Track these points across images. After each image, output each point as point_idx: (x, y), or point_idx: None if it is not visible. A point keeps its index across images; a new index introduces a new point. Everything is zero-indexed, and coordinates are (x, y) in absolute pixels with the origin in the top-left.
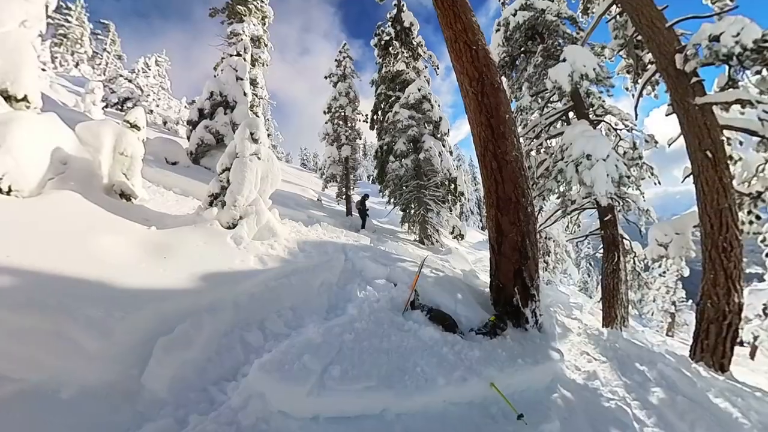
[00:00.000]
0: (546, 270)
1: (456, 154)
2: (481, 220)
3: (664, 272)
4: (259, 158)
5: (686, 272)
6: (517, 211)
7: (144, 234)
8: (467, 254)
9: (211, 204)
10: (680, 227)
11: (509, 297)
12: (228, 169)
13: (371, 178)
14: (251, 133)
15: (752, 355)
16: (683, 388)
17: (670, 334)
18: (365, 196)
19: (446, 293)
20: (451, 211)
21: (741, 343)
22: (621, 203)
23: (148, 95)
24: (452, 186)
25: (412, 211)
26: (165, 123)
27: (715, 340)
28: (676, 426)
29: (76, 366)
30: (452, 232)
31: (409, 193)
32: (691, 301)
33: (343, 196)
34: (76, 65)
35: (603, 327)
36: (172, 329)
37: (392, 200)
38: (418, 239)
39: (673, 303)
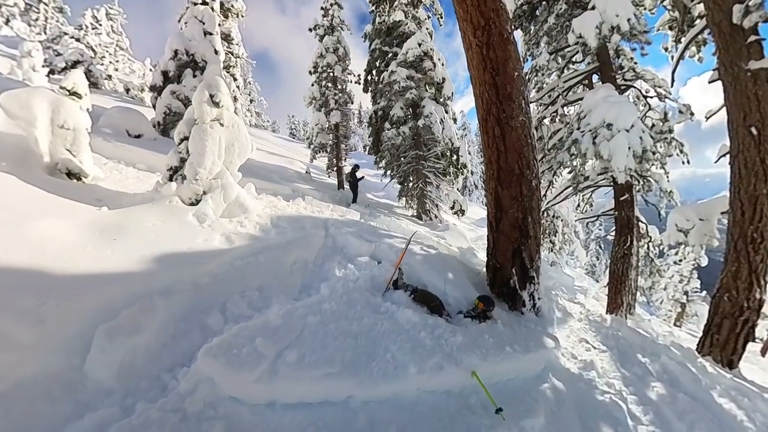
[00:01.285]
0: (552, 251)
1: (461, 123)
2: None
3: (680, 260)
4: (222, 125)
5: (704, 262)
6: (520, 184)
7: (92, 215)
8: (468, 231)
9: (170, 179)
10: (705, 213)
11: (506, 278)
12: (187, 138)
13: (367, 147)
14: (211, 96)
15: (763, 353)
16: (686, 384)
17: (678, 324)
18: (356, 167)
19: (436, 272)
20: (452, 184)
21: (753, 339)
22: (641, 182)
23: (103, 57)
24: (454, 157)
25: (410, 184)
26: (128, 90)
27: (727, 336)
28: (673, 425)
29: (10, 359)
30: (453, 208)
31: (407, 164)
32: (705, 292)
33: (334, 168)
34: (7, 22)
35: (607, 313)
36: (119, 315)
37: (388, 172)
38: (415, 215)
39: (686, 293)
